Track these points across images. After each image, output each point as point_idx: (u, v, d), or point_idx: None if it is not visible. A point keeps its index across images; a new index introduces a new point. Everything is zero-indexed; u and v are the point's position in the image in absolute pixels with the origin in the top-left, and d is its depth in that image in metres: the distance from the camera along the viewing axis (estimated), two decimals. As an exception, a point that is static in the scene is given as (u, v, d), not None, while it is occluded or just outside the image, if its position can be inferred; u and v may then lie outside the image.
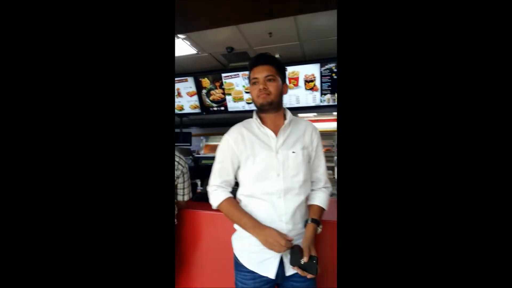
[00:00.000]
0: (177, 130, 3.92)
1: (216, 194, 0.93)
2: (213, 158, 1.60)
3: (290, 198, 0.88)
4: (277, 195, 0.87)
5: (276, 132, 0.91)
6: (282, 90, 0.94)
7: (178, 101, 3.33)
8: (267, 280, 0.88)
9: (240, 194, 0.95)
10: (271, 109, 0.91)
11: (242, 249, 0.92)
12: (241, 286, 0.92)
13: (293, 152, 0.90)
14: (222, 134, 0.99)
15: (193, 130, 5.18)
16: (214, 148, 4.41)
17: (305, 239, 0.86)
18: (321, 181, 0.97)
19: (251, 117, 0.97)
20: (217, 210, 1.17)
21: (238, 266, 0.93)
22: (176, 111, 3.35)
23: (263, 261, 0.88)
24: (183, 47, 2.45)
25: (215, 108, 3.18)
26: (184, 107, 3.30)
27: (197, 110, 3.28)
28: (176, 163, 1.24)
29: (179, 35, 2.24)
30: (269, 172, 0.88)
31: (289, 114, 0.95)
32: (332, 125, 4.91)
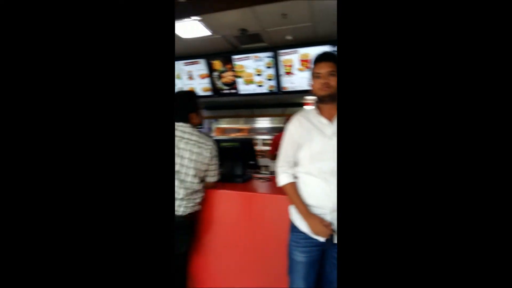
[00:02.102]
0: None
1: (282, 177, 1.15)
2: (224, 141, 1.68)
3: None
4: (330, 174, 1.05)
5: (331, 120, 1.10)
6: None
7: (190, 84, 3.35)
8: (317, 242, 1.08)
9: (298, 171, 1.15)
10: (329, 100, 1.09)
11: (297, 215, 1.13)
12: (294, 245, 1.13)
13: None
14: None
15: (204, 113, 5.20)
16: (223, 131, 4.37)
17: None
18: None
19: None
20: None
21: (294, 228, 1.15)
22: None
23: None
24: (197, 28, 2.45)
25: (226, 91, 3.20)
26: (196, 90, 3.32)
27: (209, 93, 3.31)
28: (211, 146, 1.34)
29: (193, 17, 2.23)
30: (323, 154, 1.07)
31: None
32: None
